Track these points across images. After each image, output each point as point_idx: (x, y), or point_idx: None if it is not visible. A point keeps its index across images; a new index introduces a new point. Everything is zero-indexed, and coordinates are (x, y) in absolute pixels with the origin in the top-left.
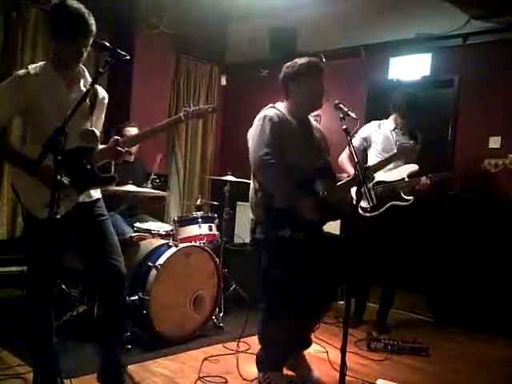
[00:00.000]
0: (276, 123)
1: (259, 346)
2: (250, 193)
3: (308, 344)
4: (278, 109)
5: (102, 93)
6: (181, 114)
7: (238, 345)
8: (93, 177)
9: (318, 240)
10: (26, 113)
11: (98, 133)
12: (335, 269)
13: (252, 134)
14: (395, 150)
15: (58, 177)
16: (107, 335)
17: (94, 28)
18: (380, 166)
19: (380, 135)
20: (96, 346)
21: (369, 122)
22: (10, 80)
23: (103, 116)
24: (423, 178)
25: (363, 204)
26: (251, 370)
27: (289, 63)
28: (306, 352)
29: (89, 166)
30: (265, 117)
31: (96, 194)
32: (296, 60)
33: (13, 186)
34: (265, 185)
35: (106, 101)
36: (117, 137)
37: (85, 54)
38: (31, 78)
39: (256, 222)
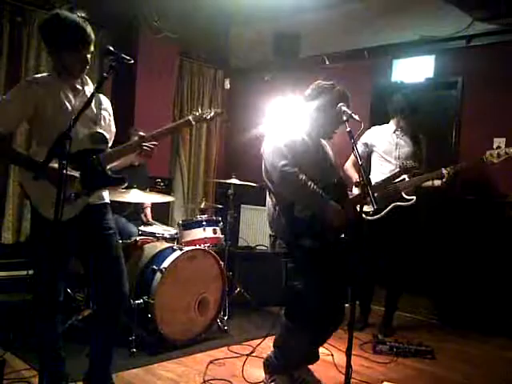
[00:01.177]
0: (291, 141)
1: (266, 350)
2: (268, 209)
3: (317, 358)
4: (292, 127)
5: (104, 100)
6: (190, 117)
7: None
8: (103, 177)
9: (339, 248)
10: (33, 119)
11: (107, 135)
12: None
13: (267, 153)
14: (396, 153)
15: (68, 173)
16: (98, 346)
17: (91, 34)
18: (381, 186)
19: (381, 139)
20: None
21: (373, 124)
22: (19, 86)
23: (112, 124)
24: (443, 169)
25: (366, 208)
26: (256, 373)
27: (319, 84)
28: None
29: (98, 167)
30: (279, 135)
31: (105, 197)
32: (325, 83)
33: (22, 187)
34: (289, 195)
35: (110, 109)
36: (142, 133)
37: (89, 61)
38: (39, 85)
39: (276, 236)
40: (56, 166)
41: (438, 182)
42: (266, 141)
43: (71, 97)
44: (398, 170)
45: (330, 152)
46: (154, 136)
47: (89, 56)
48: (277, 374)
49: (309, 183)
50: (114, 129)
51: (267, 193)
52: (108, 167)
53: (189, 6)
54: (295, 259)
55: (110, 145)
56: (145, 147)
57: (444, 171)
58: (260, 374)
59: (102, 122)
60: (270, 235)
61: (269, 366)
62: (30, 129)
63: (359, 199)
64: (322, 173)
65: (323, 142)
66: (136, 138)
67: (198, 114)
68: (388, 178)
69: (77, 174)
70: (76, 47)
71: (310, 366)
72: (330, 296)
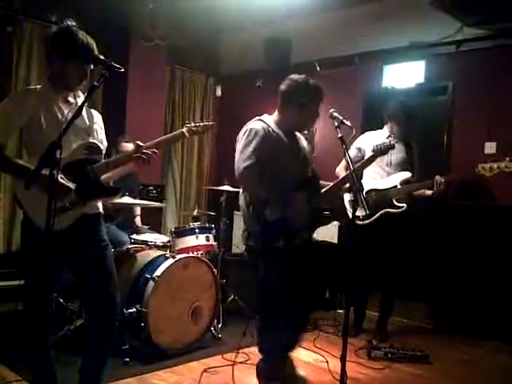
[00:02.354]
0: (261, 136)
1: (259, 357)
2: (241, 204)
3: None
4: (264, 121)
5: (96, 115)
6: (183, 130)
7: (236, 355)
8: (98, 188)
9: (310, 247)
10: (25, 129)
11: (101, 146)
12: (324, 275)
13: (237, 147)
14: (388, 158)
15: (65, 182)
16: (90, 357)
17: (96, 52)
18: (361, 167)
19: (374, 144)
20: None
21: (364, 129)
22: (11, 97)
23: (104, 137)
24: (437, 177)
25: (357, 212)
26: (250, 380)
27: (293, 78)
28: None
29: (93, 176)
30: (250, 130)
31: (99, 207)
32: (301, 77)
33: (15, 197)
34: (248, 195)
35: (101, 122)
36: (139, 142)
37: (88, 76)
38: (31, 96)
39: (249, 232)
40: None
41: (429, 192)
42: (239, 136)
43: (64, 109)
44: (371, 154)
45: (305, 144)
46: (150, 146)
47: (88, 71)
48: (270, 380)
49: (261, 190)
50: (105, 143)
51: (241, 190)
52: (104, 177)
53: (179, 14)
54: (266, 257)
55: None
56: (143, 155)
57: (435, 180)
58: (254, 381)
59: (95, 134)
60: (244, 230)
61: (260, 371)
62: (21, 139)
63: (336, 186)
64: (295, 167)
65: (298, 134)
66: (127, 148)
67: (191, 126)
68: (363, 163)
69: (72, 185)
70: (82, 62)
71: (302, 369)
72: (298, 293)
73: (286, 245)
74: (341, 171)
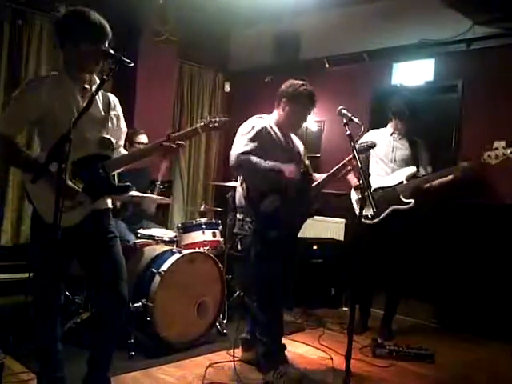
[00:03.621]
0: (259, 131)
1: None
2: (238, 196)
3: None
4: (263, 118)
5: (113, 99)
6: (198, 126)
7: (233, 351)
8: (107, 184)
9: (293, 236)
10: (39, 121)
11: (113, 140)
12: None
13: (235, 139)
14: (392, 155)
15: (71, 183)
16: (97, 350)
17: (109, 32)
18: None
19: (378, 141)
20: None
21: (373, 127)
22: (23, 89)
23: (122, 123)
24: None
25: (364, 211)
26: (254, 376)
27: (292, 82)
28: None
29: (103, 174)
30: (248, 123)
31: (108, 202)
32: (298, 82)
33: (26, 192)
34: (246, 178)
35: (119, 107)
36: (168, 132)
37: (102, 59)
38: (44, 87)
39: (243, 221)
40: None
41: (447, 179)
42: (237, 131)
43: (79, 98)
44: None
45: (298, 144)
46: (178, 136)
47: (104, 52)
48: (277, 364)
49: (259, 161)
50: (124, 128)
51: (239, 182)
52: (118, 171)
53: (189, 9)
54: (260, 244)
55: (122, 143)
56: (172, 145)
57: (460, 164)
58: (258, 376)
59: (110, 125)
60: (238, 219)
61: (260, 362)
62: (31, 131)
63: (326, 180)
64: (287, 160)
65: (292, 136)
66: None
67: (205, 122)
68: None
69: (80, 186)
70: (95, 41)
71: (307, 366)
72: (276, 277)
73: (277, 235)
74: None
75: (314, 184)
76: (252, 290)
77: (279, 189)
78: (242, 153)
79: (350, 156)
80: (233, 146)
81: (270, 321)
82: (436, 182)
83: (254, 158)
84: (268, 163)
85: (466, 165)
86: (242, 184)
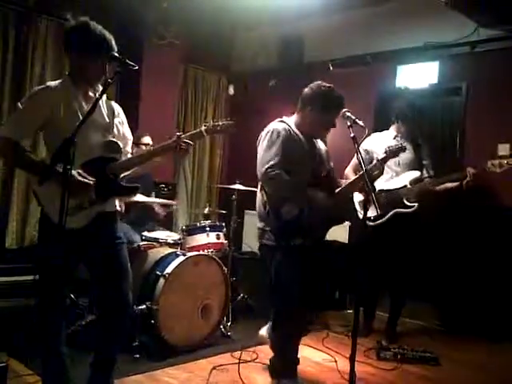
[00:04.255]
0: (283, 137)
1: (269, 356)
2: (258, 204)
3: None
4: (286, 123)
5: (117, 107)
6: (202, 129)
7: (240, 354)
8: (116, 186)
9: (323, 246)
10: (46, 126)
11: (120, 144)
12: (333, 273)
13: (260, 148)
14: (396, 158)
15: (81, 178)
16: (102, 354)
17: (115, 46)
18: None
19: (381, 145)
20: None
21: (377, 130)
22: (31, 95)
23: (127, 130)
24: (469, 168)
25: (368, 213)
26: (259, 379)
27: (318, 84)
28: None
29: (111, 176)
30: (273, 131)
31: (116, 205)
32: (325, 85)
33: (35, 194)
34: (272, 195)
35: (123, 115)
36: (178, 133)
37: (106, 72)
38: (51, 93)
39: (264, 229)
40: (73, 171)
41: (451, 185)
42: (261, 135)
43: (84, 104)
44: (384, 155)
45: (322, 148)
46: (187, 136)
47: (107, 66)
48: (284, 377)
49: (289, 180)
50: (130, 136)
51: (258, 188)
52: (129, 173)
53: (193, 13)
54: (281, 253)
55: (129, 149)
56: (182, 146)
57: (468, 171)
58: (263, 379)
59: (115, 131)
60: (258, 228)
61: (273, 369)
62: (37, 135)
63: (352, 185)
64: (309, 165)
65: (314, 140)
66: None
67: (210, 125)
68: (374, 164)
69: (91, 180)
70: (101, 57)
71: (311, 368)
72: (308, 290)
73: (301, 244)
74: (349, 173)
75: (337, 190)
76: (271, 300)
77: (303, 203)
78: (271, 166)
79: (378, 160)
80: (259, 157)
81: (283, 335)
82: (442, 187)
83: (284, 176)
84: (299, 185)
85: (475, 171)
86: (261, 190)
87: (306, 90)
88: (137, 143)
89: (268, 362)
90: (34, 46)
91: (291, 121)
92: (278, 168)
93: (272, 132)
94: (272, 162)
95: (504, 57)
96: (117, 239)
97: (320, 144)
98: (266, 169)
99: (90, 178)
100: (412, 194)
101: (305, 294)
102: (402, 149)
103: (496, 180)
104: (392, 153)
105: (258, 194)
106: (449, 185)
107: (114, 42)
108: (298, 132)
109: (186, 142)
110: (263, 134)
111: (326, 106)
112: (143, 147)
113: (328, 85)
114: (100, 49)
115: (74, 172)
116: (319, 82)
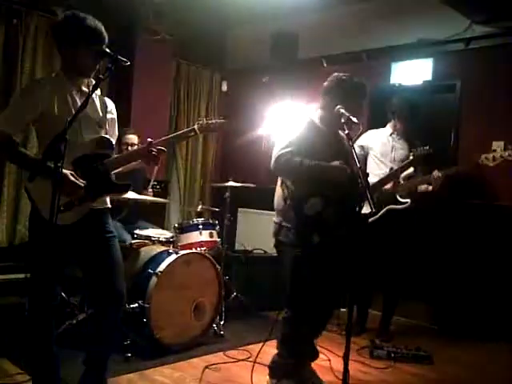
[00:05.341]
0: (304, 129)
1: (263, 355)
2: (276, 199)
3: (317, 354)
4: (309, 116)
5: (110, 103)
6: (195, 127)
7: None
8: (107, 183)
9: (342, 245)
10: (39, 120)
11: (113, 140)
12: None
13: (279, 138)
14: (392, 155)
15: (73, 179)
16: (94, 352)
17: (106, 36)
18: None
19: (377, 141)
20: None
21: (371, 127)
22: (24, 89)
23: (115, 128)
24: (435, 172)
25: (363, 210)
26: (252, 378)
27: (337, 75)
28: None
29: (103, 172)
30: (293, 123)
31: (107, 201)
32: (345, 75)
33: (27, 190)
34: (288, 177)
35: (115, 111)
36: (150, 139)
37: (99, 62)
38: (44, 87)
39: (280, 225)
40: (66, 171)
41: (430, 187)
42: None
43: (77, 99)
44: (411, 158)
45: (347, 144)
46: (160, 143)
47: (99, 57)
48: (285, 377)
49: (303, 160)
50: (116, 132)
51: (278, 184)
52: (113, 172)
53: (186, 8)
54: (302, 250)
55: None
56: (153, 153)
57: (433, 176)
58: (256, 379)
59: (107, 127)
60: (275, 222)
61: (275, 369)
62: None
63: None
64: (332, 161)
65: (341, 134)
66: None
67: (203, 123)
68: (396, 170)
69: (83, 182)
70: (93, 46)
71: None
72: (326, 287)
73: (320, 241)
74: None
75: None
76: (287, 298)
77: (327, 189)
78: (282, 154)
79: (408, 160)
80: (275, 146)
81: (298, 337)
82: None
83: (295, 158)
84: (312, 162)
85: (439, 175)
86: (282, 185)
87: (325, 83)
88: (120, 142)
89: (261, 361)
90: (25, 42)
91: (315, 115)
92: (291, 154)
93: (293, 124)
94: (283, 150)
95: (498, 54)
96: (108, 235)
97: (346, 142)
98: (277, 156)
99: (82, 181)
100: (404, 191)
101: (325, 294)
102: (429, 153)
103: (490, 176)
104: (419, 158)
105: (278, 189)
106: (427, 188)
107: (104, 31)
108: (321, 126)
109: (158, 149)
110: (286, 126)
111: (347, 93)
112: (125, 146)
113: (346, 74)
114: (91, 38)
115: (66, 171)
116: (335, 73)
